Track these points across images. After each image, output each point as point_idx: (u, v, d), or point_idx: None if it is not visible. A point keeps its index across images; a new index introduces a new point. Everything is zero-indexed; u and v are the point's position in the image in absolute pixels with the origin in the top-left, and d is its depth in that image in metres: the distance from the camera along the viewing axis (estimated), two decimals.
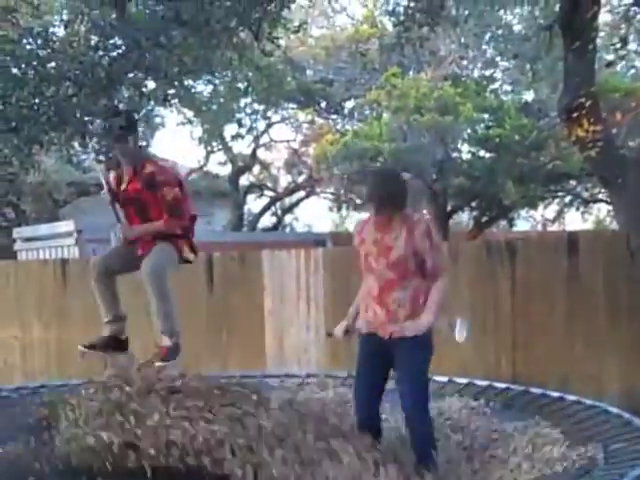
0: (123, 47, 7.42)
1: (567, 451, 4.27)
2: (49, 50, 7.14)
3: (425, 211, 13.90)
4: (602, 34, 11.91)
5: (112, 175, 5.14)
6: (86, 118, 7.42)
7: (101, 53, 7.27)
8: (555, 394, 5.21)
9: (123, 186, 5.01)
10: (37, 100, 6.86)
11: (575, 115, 5.96)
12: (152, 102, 8.82)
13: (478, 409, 5.24)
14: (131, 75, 7.71)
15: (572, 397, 5.09)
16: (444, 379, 5.88)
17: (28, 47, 7.03)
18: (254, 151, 19.74)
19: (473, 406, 5.30)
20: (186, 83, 10.20)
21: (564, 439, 4.45)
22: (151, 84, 8.33)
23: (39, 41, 7.04)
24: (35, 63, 6.89)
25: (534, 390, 5.39)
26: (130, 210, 5.04)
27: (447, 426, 4.88)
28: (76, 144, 7.88)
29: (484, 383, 5.72)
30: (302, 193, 20.26)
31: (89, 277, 5.13)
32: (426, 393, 4.13)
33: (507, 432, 4.67)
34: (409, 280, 4.02)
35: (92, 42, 7.34)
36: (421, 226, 4.05)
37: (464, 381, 5.81)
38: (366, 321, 4.15)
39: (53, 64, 7.07)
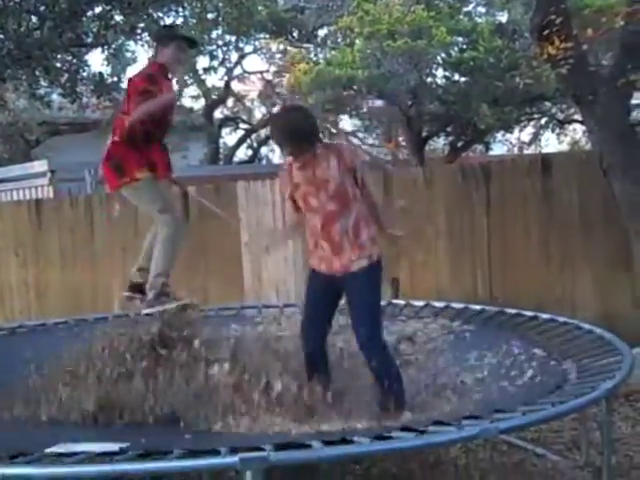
0: None
1: (540, 367, 4.36)
2: None
3: (401, 138, 13.81)
4: None
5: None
6: (53, 53, 7.27)
7: None
8: (529, 313, 5.28)
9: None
10: None
11: (546, 33, 5.87)
12: (120, 36, 8.63)
13: (454, 330, 5.32)
14: (98, 9, 7.53)
15: (546, 315, 5.17)
16: (421, 303, 5.96)
17: None
18: (227, 83, 19.41)
19: (449, 327, 5.38)
20: (155, 16, 9.96)
21: (537, 355, 4.53)
22: (119, 17, 8.15)
23: None
24: None
25: (509, 310, 5.47)
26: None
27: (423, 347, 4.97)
28: (42, 80, 7.73)
29: (460, 305, 5.80)
30: None
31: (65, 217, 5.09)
32: (379, 323, 4.03)
33: (481, 351, 4.75)
34: (350, 208, 3.97)
35: None
36: (346, 147, 4.22)
37: (441, 304, 5.88)
38: (317, 257, 4.08)
39: None
